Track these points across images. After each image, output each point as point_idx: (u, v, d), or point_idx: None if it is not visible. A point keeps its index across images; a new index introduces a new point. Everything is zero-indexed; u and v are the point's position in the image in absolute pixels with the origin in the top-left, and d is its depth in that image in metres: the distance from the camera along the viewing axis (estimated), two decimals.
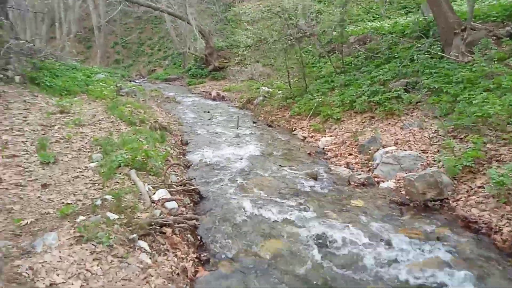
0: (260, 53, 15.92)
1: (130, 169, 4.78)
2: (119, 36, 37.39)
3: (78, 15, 33.04)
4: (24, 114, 7.37)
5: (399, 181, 6.07)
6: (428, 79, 8.88)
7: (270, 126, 11.91)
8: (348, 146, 8.25)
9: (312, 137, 9.88)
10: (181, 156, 7.65)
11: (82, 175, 4.63)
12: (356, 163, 7.34)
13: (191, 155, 8.26)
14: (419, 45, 9.70)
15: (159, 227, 3.56)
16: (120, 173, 4.68)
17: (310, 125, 10.69)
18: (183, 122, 12.21)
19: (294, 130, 10.85)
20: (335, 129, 9.62)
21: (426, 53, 9.75)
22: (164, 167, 5.47)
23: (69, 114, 8.57)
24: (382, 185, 6.11)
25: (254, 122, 12.41)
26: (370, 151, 7.40)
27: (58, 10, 33.33)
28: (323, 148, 8.77)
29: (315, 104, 11.00)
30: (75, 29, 32.93)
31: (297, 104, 11.92)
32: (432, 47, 9.84)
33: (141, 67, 35.35)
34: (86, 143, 6.18)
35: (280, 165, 7.51)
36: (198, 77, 25.67)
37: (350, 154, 7.90)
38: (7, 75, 9.33)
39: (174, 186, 5.01)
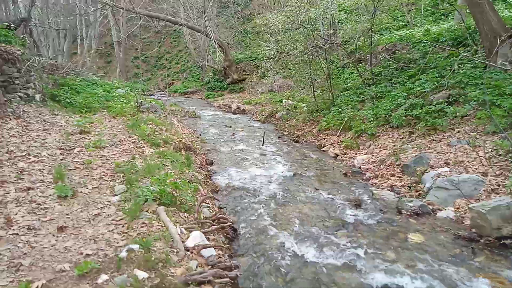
0: (280, 65, 15.25)
1: (158, 205, 4.12)
2: (138, 51, 37.49)
3: (98, 31, 33.21)
4: (42, 136, 6.88)
5: (460, 210, 5.24)
6: (474, 91, 8.05)
7: (296, 141, 11.18)
8: (389, 165, 7.44)
9: (345, 154, 9.10)
10: (208, 180, 6.96)
11: (104, 212, 3.99)
12: (402, 186, 6.52)
13: (217, 177, 7.59)
14: (462, 53, 8.85)
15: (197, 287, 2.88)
16: (147, 211, 4.01)
17: (341, 141, 9.92)
18: (205, 138, 11.59)
19: (323, 146, 10.09)
20: (370, 145, 8.82)
21: (468, 63, 8.91)
22: (196, 200, 4.77)
23: (89, 134, 8.07)
24: (440, 214, 5.28)
25: (278, 137, 11.71)
26: (417, 173, 6.58)
27: (80, 26, 33.69)
28: (360, 168, 7.98)
29: (345, 118, 10.23)
30: (95, 45, 33.09)
31: (325, 118, 11.17)
32: (475, 55, 9.01)
33: (160, 80, 35.26)
34: (107, 170, 5.58)
35: (316, 188, 6.77)
36: (217, 90, 25.24)
37: (393, 175, 7.09)
38: (27, 94, 8.93)
39: (208, 224, 4.32)
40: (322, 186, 7.01)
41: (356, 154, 8.87)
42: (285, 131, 12.59)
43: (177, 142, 8.09)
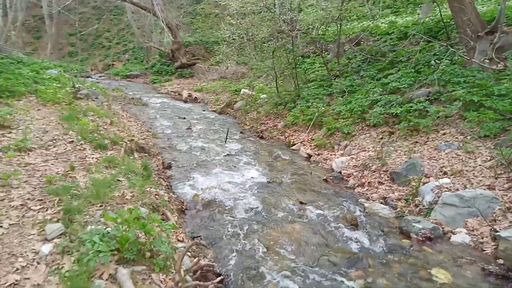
0: (240, 51, 13.91)
1: (118, 263, 2.71)
2: (73, 27, 33.56)
3: (26, 2, 28.95)
4: None
5: (475, 233, 4.47)
6: (455, 89, 7.45)
7: (261, 137, 10.04)
8: (375, 171, 6.59)
9: (319, 155, 8.14)
10: (170, 194, 5.54)
11: (27, 277, 2.52)
12: (397, 198, 5.66)
13: (180, 186, 6.19)
14: (440, 46, 8.24)
15: None
16: (100, 276, 2.56)
17: (311, 138, 8.96)
18: (156, 132, 10.00)
19: (293, 145, 9.05)
20: (347, 146, 7.95)
21: (446, 59, 8.33)
22: (172, 247, 3.29)
23: (10, 131, 6.22)
24: (454, 238, 4.47)
25: (241, 132, 10.47)
26: (412, 183, 5.77)
27: None
28: (340, 172, 7.06)
29: (315, 113, 9.27)
30: (22, 17, 28.80)
31: (292, 113, 10.12)
32: (452, 51, 8.46)
33: (98, 61, 31.89)
34: (34, 189, 3.97)
35: (300, 202, 5.69)
36: (164, 74, 23.14)
37: (381, 183, 6.24)
38: None
39: (189, 280, 3.00)
40: (305, 196, 5.96)
41: (331, 155, 7.95)
42: (246, 124, 11.37)
43: (128, 142, 6.51)
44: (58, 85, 11.11)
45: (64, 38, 33.10)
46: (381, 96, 8.54)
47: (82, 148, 5.70)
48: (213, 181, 6.48)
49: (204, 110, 13.90)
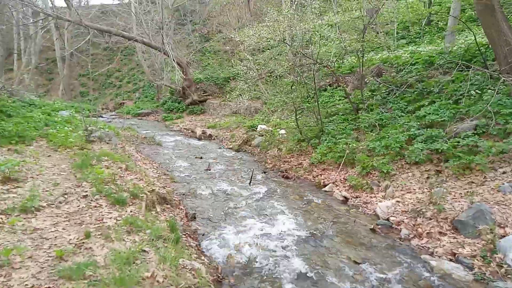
0: (257, 86, 13.31)
1: None
2: (85, 68, 33.76)
3: (39, 46, 29.16)
4: None
5: None
6: (508, 121, 6.61)
7: (286, 177, 9.15)
8: (431, 219, 5.63)
9: (357, 197, 7.22)
10: (202, 258, 4.60)
11: None
12: (470, 255, 4.68)
13: (210, 244, 5.27)
14: (474, 76, 7.50)
15: None
16: None
17: (344, 178, 8.07)
18: (174, 175, 9.18)
19: (323, 186, 8.15)
20: (388, 187, 7.03)
21: (489, 88, 7.56)
22: None
23: (18, 185, 5.44)
24: None
25: (264, 172, 9.60)
26: (483, 234, 4.82)
27: (17, 39, 29.41)
28: (388, 219, 6.10)
29: (346, 150, 8.43)
30: (35, 60, 28.94)
31: (319, 150, 9.29)
32: (489, 80, 7.73)
33: (109, 100, 31.77)
34: (41, 270, 3.10)
35: (354, 261, 4.74)
36: (175, 112, 22.69)
37: (443, 234, 5.27)
38: None
39: None
40: (356, 252, 5.00)
41: (371, 197, 7.02)
42: (267, 162, 10.52)
43: (148, 194, 5.66)
44: (70, 128, 10.48)
45: (75, 79, 33.20)
46: (419, 131, 7.71)
47: (97, 205, 4.85)
48: (245, 235, 5.56)
49: (220, 148, 13.13)
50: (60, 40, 28.24)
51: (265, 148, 11.53)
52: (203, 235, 5.56)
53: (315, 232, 5.68)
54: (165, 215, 5.44)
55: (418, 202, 6.15)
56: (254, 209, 6.75)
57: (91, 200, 5.02)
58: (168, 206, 5.99)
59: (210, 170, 9.78)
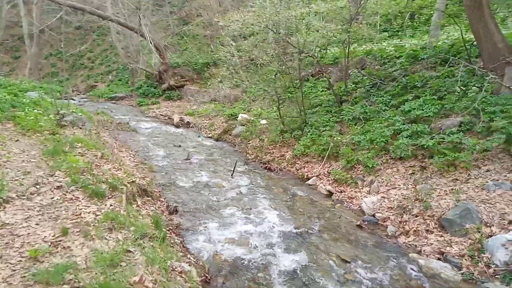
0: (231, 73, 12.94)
1: None
2: (54, 47, 32.04)
3: (4, 22, 27.24)
4: None
5: None
6: (493, 119, 6.66)
7: (268, 169, 8.96)
8: (417, 215, 5.60)
9: (341, 192, 7.13)
10: (188, 256, 4.32)
11: None
12: (458, 254, 4.66)
13: (193, 239, 5.02)
14: (462, 72, 7.51)
15: None
16: None
17: (328, 172, 7.97)
18: (153, 164, 8.80)
19: (307, 178, 8.03)
20: (372, 182, 6.98)
21: (474, 85, 7.60)
22: None
23: None
24: None
25: (245, 163, 9.38)
26: (470, 233, 4.82)
27: None
28: (374, 215, 6.04)
29: (331, 143, 8.33)
30: (0, 36, 27.06)
31: (302, 142, 9.14)
32: (472, 76, 7.78)
33: (80, 82, 30.34)
34: (13, 273, 2.76)
35: (343, 259, 4.63)
36: (151, 97, 21.89)
37: (429, 232, 5.25)
38: None
39: None
40: (344, 250, 4.90)
41: (356, 192, 6.95)
42: (248, 153, 10.29)
43: (128, 185, 5.30)
44: (39, 111, 9.81)
45: (44, 58, 31.47)
46: (404, 125, 7.69)
47: (74, 197, 4.47)
48: (230, 230, 5.35)
49: (199, 137, 12.76)
50: (28, 16, 26.53)
51: (246, 138, 11.28)
52: (186, 230, 5.30)
53: (301, 228, 5.54)
54: (146, 209, 5.13)
55: (404, 198, 6.12)
56: (238, 203, 6.53)
57: (67, 192, 4.63)
58: (149, 198, 5.66)
59: (189, 160, 9.45)
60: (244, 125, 11.99)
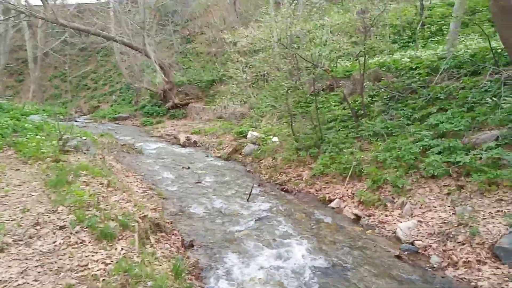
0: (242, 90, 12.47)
1: None
2: (58, 69, 31.95)
3: (9, 45, 27.15)
4: None
5: None
6: None
7: (285, 190, 8.36)
8: (463, 243, 4.97)
9: (370, 216, 6.50)
10: None
11: None
12: None
13: (213, 280, 4.41)
14: (491, 82, 6.98)
15: None
16: None
17: (352, 193, 7.36)
18: (162, 189, 8.22)
19: (329, 201, 7.41)
20: (404, 204, 6.35)
21: (507, 95, 7.04)
22: None
23: None
24: None
25: (259, 185, 8.78)
26: None
27: None
28: (412, 243, 5.40)
29: (353, 161, 7.74)
30: (4, 60, 26.94)
31: (320, 160, 8.56)
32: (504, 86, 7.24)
33: (83, 103, 30.12)
34: None
35: None
36: (155, 116, 21.54)
37: (482, 263, 4.60)
38: None
39: None
40: None
41: (386, 216, 6.32)
42: (262, 173, 9.70)
43: (140, 221, 4.71)
44: (42, 136, 9.31)
45: (47, 80, 31.35)
46: (433, 141, 7.10)
47: (79, 240, 3.89)
48: (254, 267, 4.73)
49: (207, 156, 12.21)
50: (32, 39, 26.48)
51: (258, 158, 10.71)
52: (205, 269, 4.68)
53: (335, 262, 4.91)
54: (161, 248, 4.52)
55: (444, 222, 5.49)
56: (258, 232, 5.91)
57: (71, 234, 4.05)
58: (163, 234, 5.06)
59: (200, 183, 8.88)
60: (254, 143, 11.42)
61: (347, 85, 12.19)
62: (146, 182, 8.68)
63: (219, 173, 9.93)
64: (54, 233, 4.19)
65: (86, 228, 4.26)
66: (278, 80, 9.85)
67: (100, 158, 8.85)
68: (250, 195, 7.58)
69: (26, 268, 3.33)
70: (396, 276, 4.58)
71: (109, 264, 3.48)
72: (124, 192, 6.47)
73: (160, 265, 3.77)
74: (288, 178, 8.88)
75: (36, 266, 3.40)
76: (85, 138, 10.11)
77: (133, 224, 4.44)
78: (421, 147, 7.10)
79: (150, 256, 3.86)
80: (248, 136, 12.43)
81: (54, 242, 3.92)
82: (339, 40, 9.94)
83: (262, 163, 10.31)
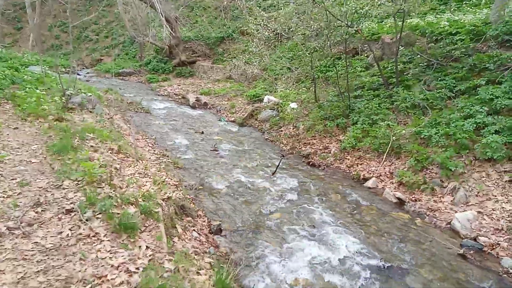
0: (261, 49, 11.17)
1: None
2: (57, 18, 29.84)
3: None
4: None
5: None
6: None
7: (313, 165, 7.44)
8: None
9: (415, 200, 5.62)
10: None
11: None
12: None
13: (250, 279, 3.58)
14: None
15: None
16: None
17: (390, 172, 6.45)
18: (176, 156, 7.28)
19: (363, 179, 6.52)
20: (456, 189, 5.46)
21: None
22: None
23: None
24: None
25: (282, 156, 7.84)
26: None
27: None
28: (475, 239, 4.56)
29: (391, 136, 6.76)
30: (0, 6, 24.85)
31: (351, 132, 7.58)
32: None
33: (84, 55, 28.34)
34: None
35: None
36: (161, 73, 20.09)
37: None
38: None
39: None
40: None
41: (435, 202, 5.45)
42: (283, 143, 8.73)
43: (163, 204, 3.77)
44: (43, 91, 8.19)
45: (47, 30, 29.36)
46: (487, 118, 6.09)
47: (92, 233, 2.97)
48: (297, 262, 3.89)
49: (220, 120, 11.16)
50: None
51: (277, 125, 9.69)
52: (238, 264, 3.83)
53: (389, 260, 4.07)
54: (190, 241, 3.63)
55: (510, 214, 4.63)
56: (291, 216, 5.05)
57: (80, 221, 3.12)
58: (189, 218, 4.16)
59: (217, 151, 7.93)
60: (273, 109, 10.34)
61: (375, 49, 10.93)
62: (158, 147, 7.72)
63: (235, 140, 8.95)
64: (59, 219, 3.27)
65: (99, 214, 3.33)
66: (302, 39, 8.59)
67: (108, 119, 7.81)
68: (277, 168, 6.65)
69: (24, 275, 2.43)
70: (466, 283, 3.76)
71: (134, 272, 2.58)
72: (138, 161, 5.52)
73: (198, 273, 2.88)
74: (313, 150, 7.93)
75: (37, 272, 2.50)
76: (89, 94, 8.98)
77: (156, 210, 3.51)
78: (472, 124, 6.10)
79: (182, 257, 2.97)
80: (264, 101, 11.33)
81: (60, 233, 3.01)
82: None
83: (282, 131, 9.30)
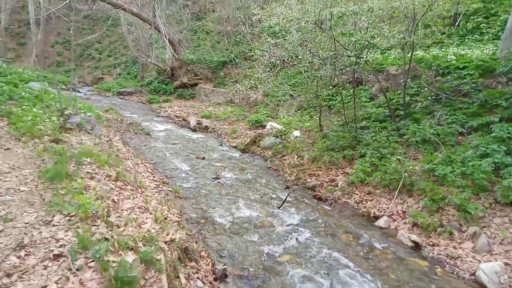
0: (268, 76, 10.91)
1: None
2: (61, 35, 29.76)
3: (10, 5, 24.88)
4: None
5: None
6: None
7: (319, 199, 6.97)
8: None
9: (433, 245, 5.16)
10: None
11: None
12: None
13: None
14: None
15: None
16: None
17: (402, 211, 6.01)
18: (176, 184, 6.79)
19: (374, 217, 6.07)
20: (477, 235, 5.02)
21: None
22: None
23: None
24: None
25: (286, 187, 7.39)
26: None
27: None
28: None
29: (403, 172, 6.36)
30: (5, 20, 24.66)
31: (359, 166, 7.18)
32: None
33: (86, 73, 28.10)
34: None
35: None
36: (162, 94, 19.83)
37: None
38: None
39: None
40: None
41: (455, 248, 4.98)
42: (286, 172, 8.30)
43: (166, 249, 3.27)
44: (40, 110, 7.77)
45: (50, 46, 29.20)
46: (506, 158, 5.73)
47: (82, 283, 2.47)
48: None
49: (221, 145, 10.74)
50: (35, 1, 24.26)
51: (280, 153, 9.28)
52: None
53: None
54: None
55: None
56: (301, 258, 4.55)
57: (69, 271, 2.62)
58: (192, 264, 3.66)
59: (219, 179, 7.46)
60: (277, 137, 9.96)
61: (379, 80, 10.71)
62: (158, 172, 7.26)
63: (238, 167, 8.51)
64: (45, 267, 2.76)
65: (92, 261, 2.83)
66: (307, 67, 8.32)
67: (107, 141, 7.35)
68: (284, 202, 6.19)
69: None
70: None
71: None
72: (137, 189, 5.05)
73: None
74: (319, 182, 7.49)
75: None
76: (89, 114, 8.55)
77: (158, 257, 3.01)
78: (490, 164, 5.73)
79: None
80: (267, 127, 10.97)
81: (44, 287, 2.50)
82: (383, 27, 8.38)
83: (285, 160, 8.89)
